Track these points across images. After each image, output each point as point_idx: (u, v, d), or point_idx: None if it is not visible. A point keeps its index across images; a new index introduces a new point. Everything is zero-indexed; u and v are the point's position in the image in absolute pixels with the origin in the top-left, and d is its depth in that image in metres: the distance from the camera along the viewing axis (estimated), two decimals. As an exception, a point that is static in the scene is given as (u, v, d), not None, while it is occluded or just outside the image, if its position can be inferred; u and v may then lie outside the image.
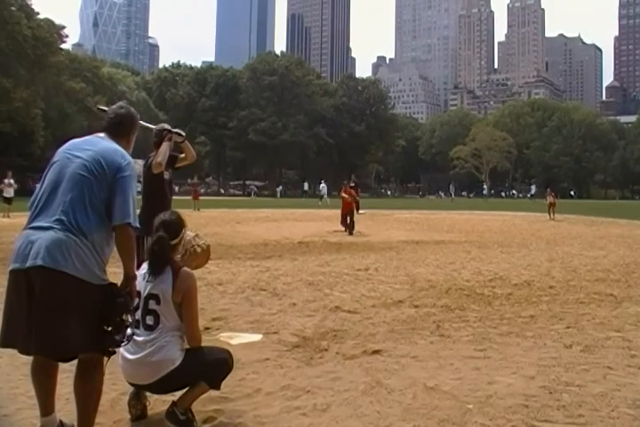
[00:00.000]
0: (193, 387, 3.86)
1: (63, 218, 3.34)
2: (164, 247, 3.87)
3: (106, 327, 3.37)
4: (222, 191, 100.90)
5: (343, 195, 20.94)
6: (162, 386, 3.83)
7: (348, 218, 19.98)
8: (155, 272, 3.83)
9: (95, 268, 3.38)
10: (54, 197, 3.43)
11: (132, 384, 3.93)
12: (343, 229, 19.94)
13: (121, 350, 3.76)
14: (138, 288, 3.72)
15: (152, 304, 3.79)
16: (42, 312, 3.22)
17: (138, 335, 3.75)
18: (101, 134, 3.76)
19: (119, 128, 3.83)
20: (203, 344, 4.00)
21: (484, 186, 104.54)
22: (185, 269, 3.91)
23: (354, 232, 19.51)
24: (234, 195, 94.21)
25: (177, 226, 4.04)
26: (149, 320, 3.78)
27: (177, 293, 3.78)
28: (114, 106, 3.98)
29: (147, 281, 3.85)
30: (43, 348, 3.28)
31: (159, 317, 3.78)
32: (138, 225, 3.50)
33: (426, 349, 5.76)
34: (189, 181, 77.13)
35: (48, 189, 3.48)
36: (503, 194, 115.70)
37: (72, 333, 3.25)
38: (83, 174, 3.45)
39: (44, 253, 3.23)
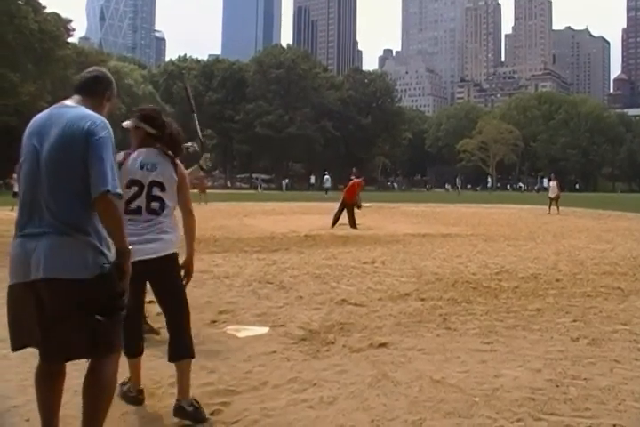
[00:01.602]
0: (179, 372, 4.00)
1: (52, 220, 3.04)
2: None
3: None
4: (229, 184, 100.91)
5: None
6: (160, 268, 3.99)
7: (342, 212, 19.65)
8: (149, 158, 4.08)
9: (103, 260, 3.10)
10: (37, 197, 3.09)
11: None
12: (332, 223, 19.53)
13: None
14: (133, 177, 4.01)
15: (156, 191, 4.03)
16: (54, 322, 3.02)
17: (138, 221, 3.98)
18: (68, 102, 3.29)
19: (93, 86, 3.40)
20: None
21: (489, 179, 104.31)
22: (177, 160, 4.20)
23: (334, 226, 19.13)
24: (240, 188, 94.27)
25: (156, 118, 4.37)
26: (155, 206, 4.03)
27: (179, 179, 4.13)
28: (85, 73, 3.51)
29: (146, 170, 4.05)
30: (57, 355, 3.14)
31: (164, 202, 4.05)
32: (119, 191, 3.10)
33: (432, 342, 5.77)
34: (196, 174, 77.20)
35: (29, 188, 3.13)
36: (508, 187, 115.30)
37: (88, 334, 3.07)
38: (56, 162, 3.06)
39: (45, 263, 3.00)
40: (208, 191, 37.73)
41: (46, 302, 3.02)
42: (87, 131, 3.06)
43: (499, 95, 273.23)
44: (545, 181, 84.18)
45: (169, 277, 4.06)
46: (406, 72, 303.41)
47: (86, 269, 3.04)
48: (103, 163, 3.04)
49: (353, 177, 23.37)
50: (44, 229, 3.04)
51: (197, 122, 5.73)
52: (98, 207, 3.06)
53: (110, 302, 3.14)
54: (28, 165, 3.14)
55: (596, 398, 4.28)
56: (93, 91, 3.38)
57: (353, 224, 19.30)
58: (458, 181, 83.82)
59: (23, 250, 3.07)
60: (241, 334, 6.01)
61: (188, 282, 4.18)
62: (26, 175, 3.15)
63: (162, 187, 4.03)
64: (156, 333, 5.84)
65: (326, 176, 54.45)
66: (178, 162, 4.17)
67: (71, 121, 3.10)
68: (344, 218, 19.92)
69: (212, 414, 3.97)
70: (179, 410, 3.85)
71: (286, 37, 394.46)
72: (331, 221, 19.46)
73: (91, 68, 3.53)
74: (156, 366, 4.91)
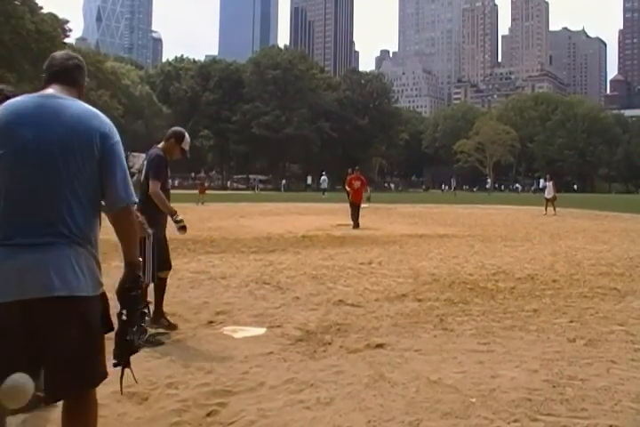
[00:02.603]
0: None
1: (62, 229, 2.59)
2: None
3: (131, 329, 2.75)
4: (228, 185, 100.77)
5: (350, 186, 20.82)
6: None
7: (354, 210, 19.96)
8: None
9: (100, 277, 2.77)
10: (34, 201, 2.59)
11: None
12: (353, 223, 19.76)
13: None
14: None
15: None
16: (63, 349, 2.60)
17: None
18: (54, 92, 2.79)
19: (76, 76, 2.93)
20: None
21: (488, 179, 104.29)
22: None
23: (357, 226, 19.42)
24: (237, 189, 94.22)
25: None
26: None
27: None
28: (58, 55, 2.96)
29: None
30: (72, 386, 2.66)
31: None
32: (137, 200, 2.91)
33: (429, 342, 5.76)
34: (193, 174, 77.06)
35: (20, 189, 2.60)
36: (502, 187, 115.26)
37: (97, 360, 2.71)
38: (68, 164, 2.62)
39: (55, 278, 2.54)
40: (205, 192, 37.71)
41: (52, 324, 2.58)
42: (102, 133, 2.72)
43: (495, 96, 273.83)
44: (541, 181, 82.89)
45: None
46: (403, 73, 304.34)
47: (94, 285, 2.70)
48: (124, 171, 2.78)
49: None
50: (49, 239, 2.57)
51: None
52: (121, 219, 2.77)
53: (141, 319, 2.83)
54: (17, 160, 2.59)
55: (593, 399, 4.28)
56: (75, 81, 2.93)
57: (356, 224, 19.47)
58: (452, 181, 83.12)
59: (12, 262, 2.53)
60: (238, 335, 6.01)
61: None
62: (16, 172, 2.60)
63: None
64: (175, 327, 6.16)
65: (323, 177, 54.25)
66: None
67: (80, 118, 2.70)
68: (344, 219, 20.03)
69: (208, 414, 3.97)
70: None
71: (283, 38, 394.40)
72: (328, 222, 19.51)
73: (65, 53, 3.00)
74: (152, 367, 4.91)
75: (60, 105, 2.70)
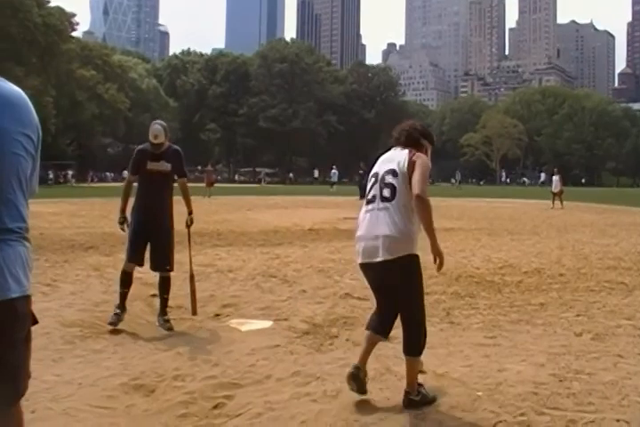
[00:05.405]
0: (408, 366, 4.14)
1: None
2: (415, 136, 4.39)
3: None
4: (236, 178, 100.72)
5: None
6: (386, 276, 4.22)
7: None
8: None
9: None
10: None
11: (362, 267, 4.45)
12: None
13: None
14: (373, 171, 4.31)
15: (389, 178, 4.10)
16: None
17: (374, 209, 4.15)
18: None
19: None
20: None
21: (503, 173, 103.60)
22: (418, 153, 4.21)
23: None
24: (244, 182, 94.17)
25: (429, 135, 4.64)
26: (386, 192, 4.10)
27: (410, 166, 4.07)
28: None
29: (382, 162, 4.29)
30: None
31: (396, 188, 4.07)
32: None
33: (435, 336, 5.75)
34: (200, 167, 77.00)
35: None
36: (508, 180, 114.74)
37: None
38: (18, 153, 2.07)
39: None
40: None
41: None
42: (38, 124, 2.30)
43: (502, 89, 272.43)
44: (542, 175, 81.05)
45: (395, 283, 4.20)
46: (410, 66, 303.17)
47: None
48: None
49: (361, 171, 23.98)
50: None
51: None
52: None
53: None
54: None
55: (600, 393, 4.27)
56: None
57: None
58: (457, 174, 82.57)
59: None
60: (244, 328, 6.02)
61: (439, 269, 4.19)
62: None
63: (394, 173, 4.11)
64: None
65: (333, 170, 54.03)
66: (417, 154, 4.20)
67: (22, 97, 2.26)
68: (351, 212, 20.04)
69: (215, 407, 3.98)
70: (408, 402, 4.01)
71: (290, 31, 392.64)
72: (335, 215, 19.58)
73: None
74: (159, 360, 4.93)
75: None
